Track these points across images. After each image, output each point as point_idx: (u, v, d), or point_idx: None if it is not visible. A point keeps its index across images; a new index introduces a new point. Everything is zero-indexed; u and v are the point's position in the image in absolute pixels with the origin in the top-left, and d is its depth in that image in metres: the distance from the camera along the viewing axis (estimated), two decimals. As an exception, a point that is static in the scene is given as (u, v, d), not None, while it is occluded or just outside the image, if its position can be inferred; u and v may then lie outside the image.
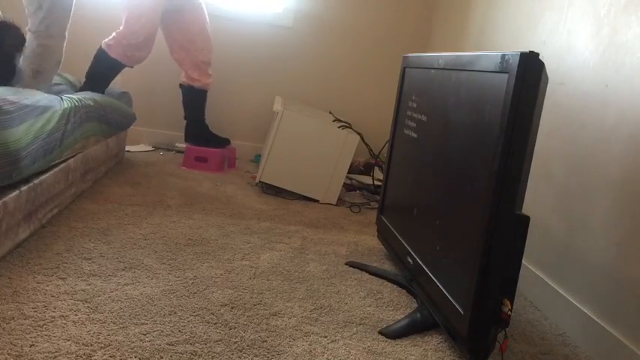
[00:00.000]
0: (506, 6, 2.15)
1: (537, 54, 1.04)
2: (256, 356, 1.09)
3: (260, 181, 2.38)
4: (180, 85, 2.67)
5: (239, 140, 3.14)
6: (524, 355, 1.29)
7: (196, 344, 1.09)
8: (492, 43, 2.24)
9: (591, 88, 1.50)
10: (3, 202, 1.27)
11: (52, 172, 1.59)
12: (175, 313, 1.20)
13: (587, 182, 1.46)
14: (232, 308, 1.27)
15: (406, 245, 1.54)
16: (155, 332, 1.11)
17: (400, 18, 3.16)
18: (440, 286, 1.27)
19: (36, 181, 1.46)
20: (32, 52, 1.86)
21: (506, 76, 1.08)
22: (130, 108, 2.56)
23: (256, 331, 1.18)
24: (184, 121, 2.74)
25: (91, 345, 1.03)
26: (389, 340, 1.24)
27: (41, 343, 1.01)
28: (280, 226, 1.95)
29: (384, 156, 2.74)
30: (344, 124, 2.62)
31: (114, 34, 2.34)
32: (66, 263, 1.36)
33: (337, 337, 1.21)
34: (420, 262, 1.41)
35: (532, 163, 1.52)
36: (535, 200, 1.70)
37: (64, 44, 1.96)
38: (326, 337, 1.21)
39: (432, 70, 1.52)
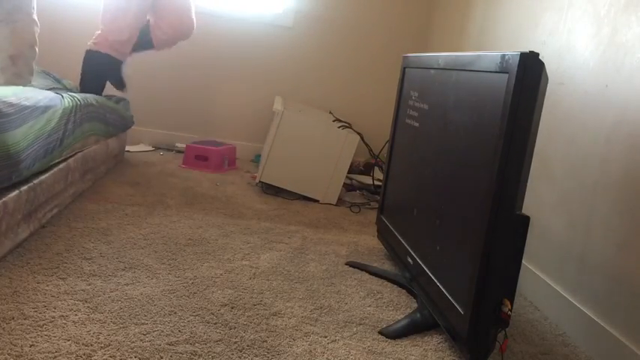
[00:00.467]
0: (506, 6, 2.15)
1: (537, 54, 1.04)
2: (256, 356, 1.09)
3: (260, 181, 2.38)
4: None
5: (239, 140, 3.15)
6: (524, 355, 1.29)
7: (196, 344, 1.09)
8: (492, 43, 2.24)
9: (591, 88, 1.50)
10: (3, 202, 1.26)
11: (51, 172, 1.58)
12: (175, 313, 1.20)
13: (587, 182, 1.46)
14: (232, 308, 1.27)
15: (406, 245, 1.54)
16: (155, 332, 1.11)
17: (400, 18, 3.16)
18: (440, 286, 1.27)
19: (36, 181, 1.46)
20: (2, 39, 1.85)
21: (506, 76, 1.08)
22: (128, 112, 2.56)
23: (256, 331, 1.18)
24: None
25: (91, 345, 1.03)
26: (389, 340, 1.24)
27: (41, 343, 1.01)
28: (280, 226, 1.95)
29: (384, 156, 2.74)
30: (344, 124, 2.62)
31: (97, 33, 2.33)
32: (66, 263, 1.36)
33: (337, 337, 1.21)
34: (420, 262, 1.41)
35: (532, 163, 1.52)
36: (535, 200, 1.70)
37: (36, 29, 1.94)
38: (326, 337, 1.21)
39: (432, 70, 1.52)
